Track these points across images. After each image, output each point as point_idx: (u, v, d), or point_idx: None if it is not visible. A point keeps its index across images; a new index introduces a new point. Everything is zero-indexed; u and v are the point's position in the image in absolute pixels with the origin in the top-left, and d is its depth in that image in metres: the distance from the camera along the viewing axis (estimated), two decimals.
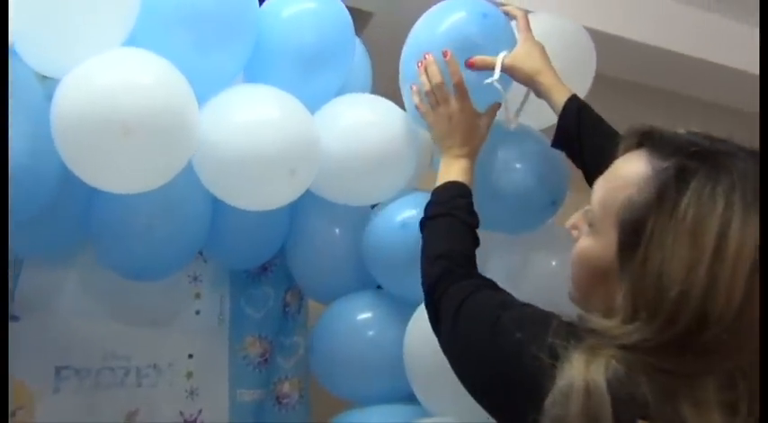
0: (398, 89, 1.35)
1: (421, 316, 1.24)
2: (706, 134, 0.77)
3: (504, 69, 1.22)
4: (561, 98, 1.18)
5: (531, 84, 1.23)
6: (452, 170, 1.19)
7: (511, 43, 1.26)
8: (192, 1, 1.19)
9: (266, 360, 1.64)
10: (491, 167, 1.37)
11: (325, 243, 1.55)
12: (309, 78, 1.35)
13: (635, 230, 0.72)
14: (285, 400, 1.66)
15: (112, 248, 1.39)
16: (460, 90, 1.22)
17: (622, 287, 0.73)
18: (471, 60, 1.23)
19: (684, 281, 0.67)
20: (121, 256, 1.39)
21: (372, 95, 1.44)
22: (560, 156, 1.29)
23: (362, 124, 1.36)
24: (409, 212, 1.38)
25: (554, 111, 1.21)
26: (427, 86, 1.23)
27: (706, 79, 1.99)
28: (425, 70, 1.23)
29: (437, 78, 1.22)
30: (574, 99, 1.18)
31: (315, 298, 1.67)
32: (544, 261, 1.44)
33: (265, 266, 1.67)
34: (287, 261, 1.62)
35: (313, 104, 1.33)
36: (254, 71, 1.34)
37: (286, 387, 1.67)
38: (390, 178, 1.40)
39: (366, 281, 1.55)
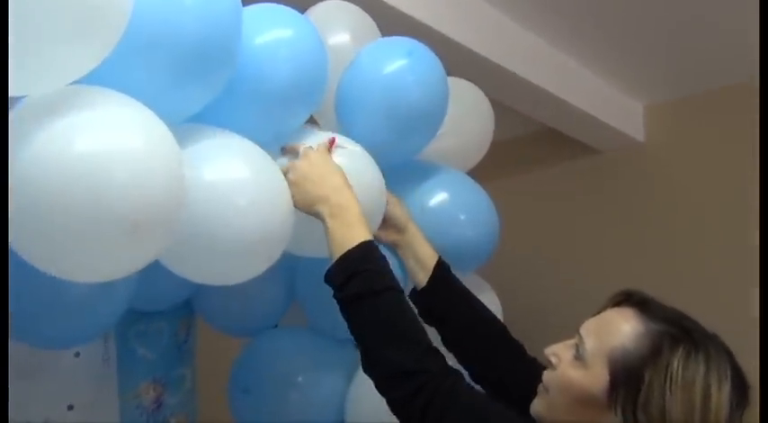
0: None
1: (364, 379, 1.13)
2: (681, 313, 0.97)
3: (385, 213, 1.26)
4: (428, 250, 1.28)
5: (403, 226, 1.29)
6: (350, 224, 1.06)
7: None
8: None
9: (159, 405, 1.44)
10: None
11: None
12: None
13: (630, 377, 0.90)
14: None
15: None
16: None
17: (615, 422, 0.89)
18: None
19: None
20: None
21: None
22: None
23: None
24: None
25: (412, 257, 1.28)
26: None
27: None
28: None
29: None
30: (442, 260, 1.28)
31: (228, 332, 1.52)
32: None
33: None
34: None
35: None
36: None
37: None
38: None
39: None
